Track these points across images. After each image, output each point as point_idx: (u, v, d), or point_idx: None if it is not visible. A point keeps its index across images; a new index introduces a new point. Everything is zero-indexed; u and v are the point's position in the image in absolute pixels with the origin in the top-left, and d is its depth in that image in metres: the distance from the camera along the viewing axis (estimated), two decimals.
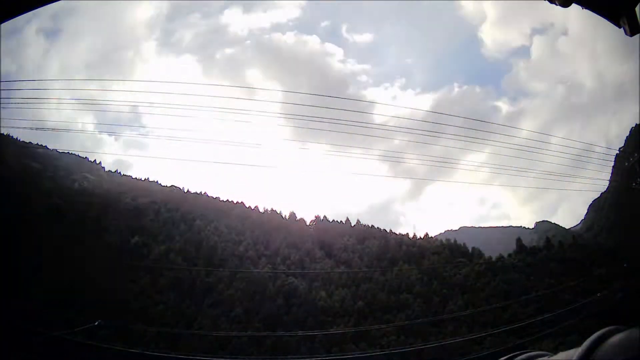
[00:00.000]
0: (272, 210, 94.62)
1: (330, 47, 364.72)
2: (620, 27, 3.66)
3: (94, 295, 52.64)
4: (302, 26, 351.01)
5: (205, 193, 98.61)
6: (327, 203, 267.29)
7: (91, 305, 47.59)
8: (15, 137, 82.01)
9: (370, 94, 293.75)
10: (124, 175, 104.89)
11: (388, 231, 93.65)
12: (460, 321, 56.98)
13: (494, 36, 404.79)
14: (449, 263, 78.09)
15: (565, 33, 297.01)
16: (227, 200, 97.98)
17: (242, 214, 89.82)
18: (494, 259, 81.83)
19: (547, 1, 3.68)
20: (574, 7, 3.67)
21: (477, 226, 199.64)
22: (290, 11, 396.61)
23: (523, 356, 2.03)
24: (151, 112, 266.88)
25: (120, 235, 72.79)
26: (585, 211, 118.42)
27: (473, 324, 54.87)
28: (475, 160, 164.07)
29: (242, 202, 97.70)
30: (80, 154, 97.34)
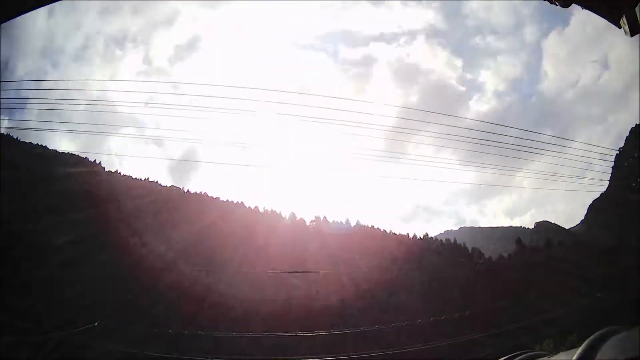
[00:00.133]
0: (272, 210, 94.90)
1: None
2: (620, 27, 3.65)
3: (94, 295, 52.67)
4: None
5: (205, 193, 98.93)
6: (327, 203, 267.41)
7: (91, 305, 47.60)
8: (15, 137, 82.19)
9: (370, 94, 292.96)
10: (124, 175, 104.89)
11: (388, 231, 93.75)
12: (461, 321, 56.85)
13: None
14: (449, 263, 78.06)
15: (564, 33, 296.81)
16: (227, 200, 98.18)
17: (242, 214, 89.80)
18: (494, 259, 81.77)
19: (547, 1, 3.68)
20: (574, 7, 3.68)
21: (477, 226, 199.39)
22: None
23: (523, 356, 2.03)
24: (151, 112, 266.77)
25: (120, 235, 72.69)
26: (585, 211, 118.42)
27: (473, 324, 54.75)
28: (476, 160, 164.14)
29: (242, 202, 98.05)
30: (80, 154, 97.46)
